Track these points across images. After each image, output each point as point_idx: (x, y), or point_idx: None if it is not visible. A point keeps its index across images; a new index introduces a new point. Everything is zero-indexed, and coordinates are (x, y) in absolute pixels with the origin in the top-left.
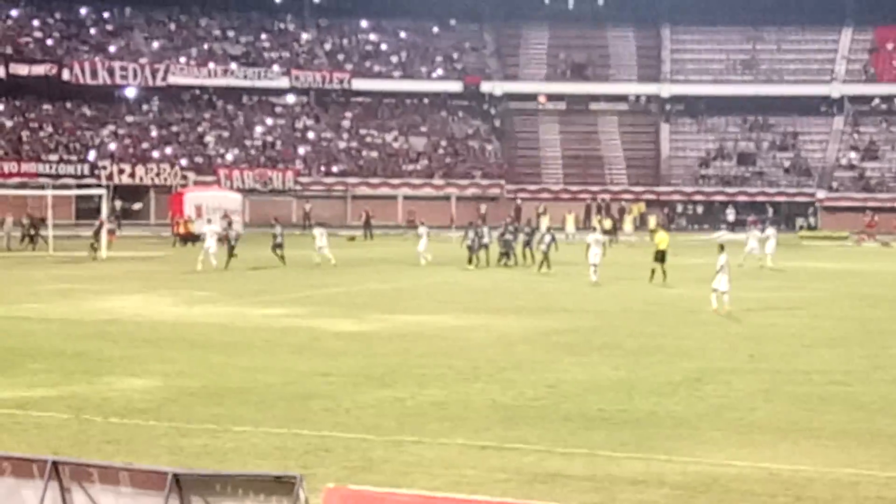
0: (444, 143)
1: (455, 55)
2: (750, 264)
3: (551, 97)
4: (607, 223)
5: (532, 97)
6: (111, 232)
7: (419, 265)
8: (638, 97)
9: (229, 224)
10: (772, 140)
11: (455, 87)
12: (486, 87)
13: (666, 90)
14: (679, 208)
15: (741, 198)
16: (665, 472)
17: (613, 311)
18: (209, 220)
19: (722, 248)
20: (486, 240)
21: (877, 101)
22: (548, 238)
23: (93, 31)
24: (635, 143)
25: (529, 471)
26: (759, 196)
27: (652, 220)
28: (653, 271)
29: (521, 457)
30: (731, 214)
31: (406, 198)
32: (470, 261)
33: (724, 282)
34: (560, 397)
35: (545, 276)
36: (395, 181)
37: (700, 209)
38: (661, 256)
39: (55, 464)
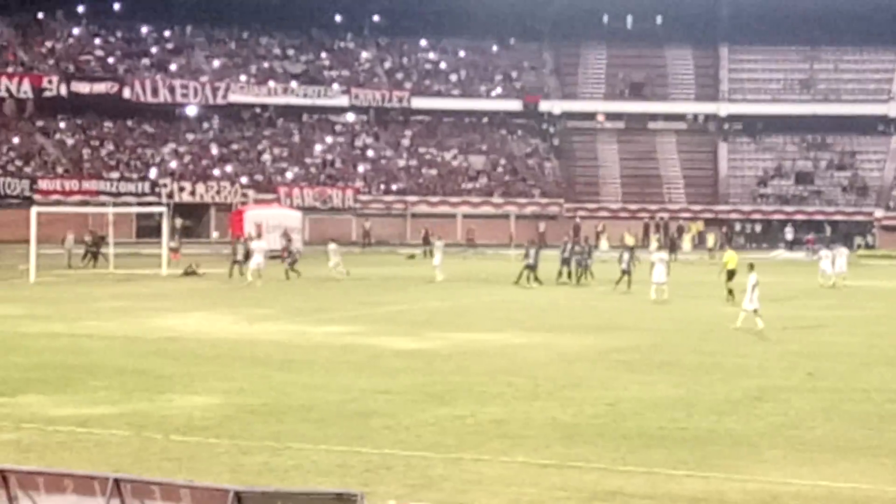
0: (503, 161)
1: (514, 74)
2: (819, 283)
3: (610, 116)
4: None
5: (591, 116)
6: (174, 250)
7: (479, 281)
8: (696, 116)
9: (289, 241)
10: (829, 159)
11: (514, 105)
12: (544, 105)
13: (724, 109)
14: (737, 227)
15: (799, 217)
16: (725, 491)
17: (672, 328)
18: (257, 237)
19: (752, 267)
20: (531, 260)
21: None
22: (626, 256)
23: (154, 49)
24: (693, 162)
25: (589, 489)
26: (817, 215)
27: (710, 239)
28: (730, 291)
29: (582, 475)
30: (789, 233)
31: (465, 216)
32: (529, 279)
33: (754, 300)
34: (620, 415)
35: (625, 294)
36: (454, 199)
37: (758, 228)
38: (731, 276)
39: (117, 481)
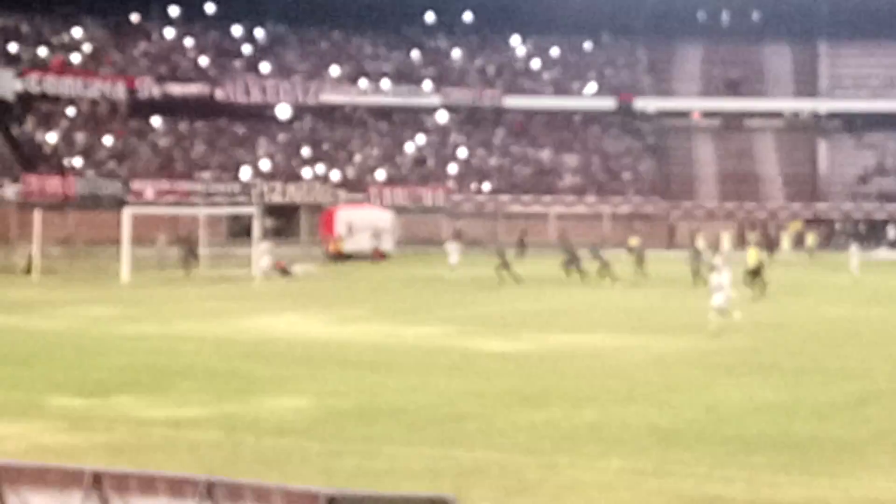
0: (596, 160)
1: (608, 71)
2: None
3: (705, 114)
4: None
5: (686, 114)
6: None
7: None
8: (794, 113)
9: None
10: None
11: (608, 103)
12: (639, 103)
13: (823, 106)
14: (837, 226)
15: None
16: (828, 497)
17: (771, 330)
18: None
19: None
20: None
21: None
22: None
23: (245, 50)
24: (792, 160)
25: (688, 495)
26: None
27: (810, 238)
28: (758, 287)
29: (680, 480)
30: (891, 232)
31: (558, 216)
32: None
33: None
34: (719, 419)
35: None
36: (547, 199)
37: (859, 227)
38: (755, 274)
39: (209, 483)
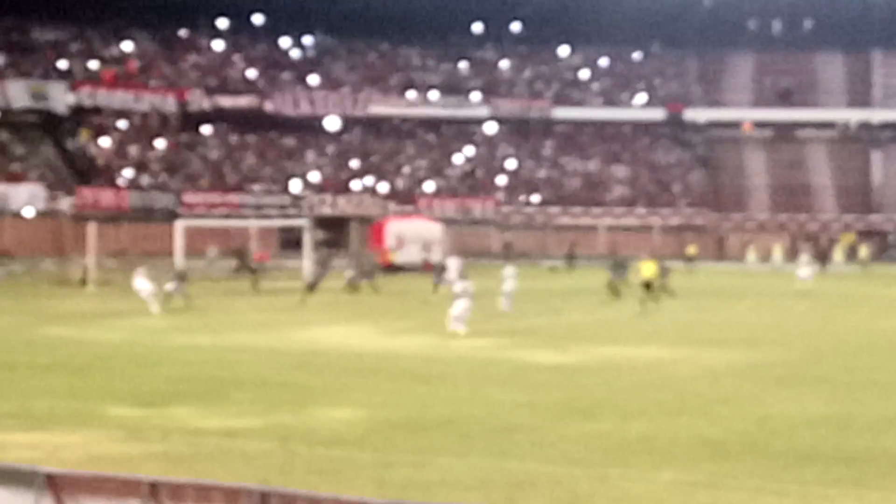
0: (645, 171)
1: (657, 82)
2: None
3: (757, 124)
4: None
5: (736, 125)
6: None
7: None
8: (847, 123)
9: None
10: None
11: (657, 114)
12: (689, 114)
13: (877, 116)
14: (891, 238)
15: None
16: None
17: (824, 343)
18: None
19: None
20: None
21: None
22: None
23: (294, 62)
24: (845, 171)
25: None
26: None
27: (863, 250)
28: (642, 300)
29: (731, 493)
30: None
31: (608, 228)
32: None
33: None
34: (770, 432)
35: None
36: (597, 210)
37: None
38: (647, 286)
39: (263, 494)
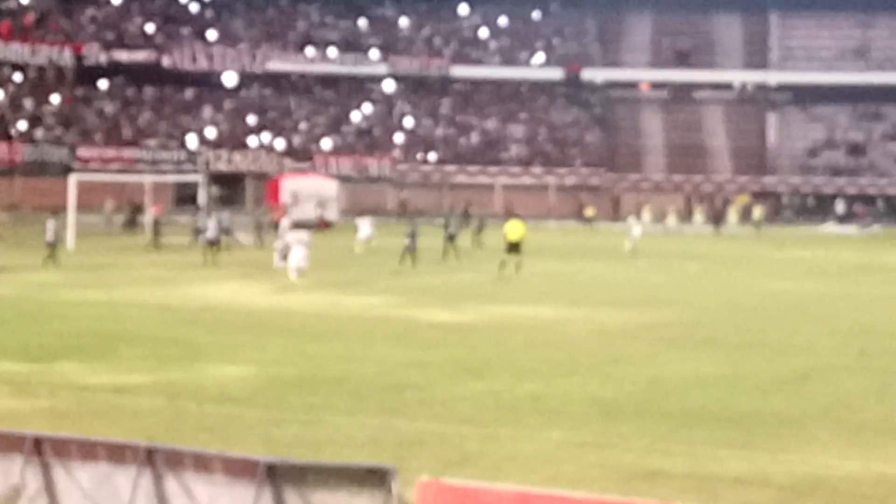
0: (543, 131)
1: (556, 41)
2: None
3: (654, 85)
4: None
5: (634, 85)
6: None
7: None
8: (744, 85)
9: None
10: (883, 130)
11: (555, 74)
12: (587, 74)
13: (773, 78)
14: (785, 200)
15: (850, 189)
16: (770, 472)
17: (715, 304)
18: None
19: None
20: (452, 230)
21: None
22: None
23: (192, 16)
24: (741, 133)
25: (629, 468)
26: (870, 188)
27: (757, 212)
28: (502, 262)
29: (621, 453)
30: (840, 206)
31: (504, 187)
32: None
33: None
34: (661, 393)
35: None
36: (494, 169)
37: (808, 201)
38: (513, 248)
39: (149, 450)
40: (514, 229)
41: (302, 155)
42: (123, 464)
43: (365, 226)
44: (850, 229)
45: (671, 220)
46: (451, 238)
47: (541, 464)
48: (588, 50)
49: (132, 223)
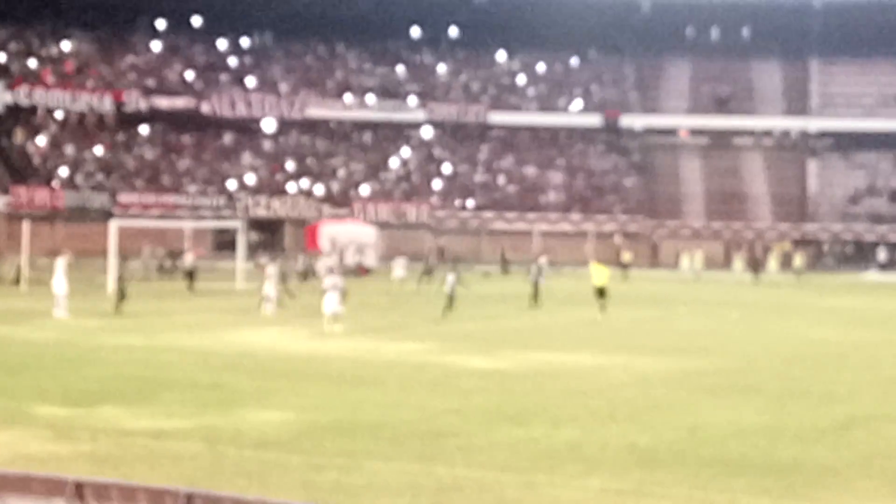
0: (581, 177)
1: (594, 88)
2: None
3: (693, 132)
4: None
5: (673, 132)
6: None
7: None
8: (784, 132)
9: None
10: None
11: (594, 120)
12: (625, 120)
13: (813, 125)
14: (826, 247)
15: (892, 237)
16: None
17: (756, 352)
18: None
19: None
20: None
21: None
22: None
23: (231, 63)
24: (780, 180)
25: None
26: None
27: (797, 259)
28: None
29: (659, 501)
30: (881, 254)
31: (542, 233)
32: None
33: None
34: (700, 441)
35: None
36: (532, 216)
37: (849, 249)
38: (600, 292)
39: (189, 496)
40: (599, 274)
41: (340, 201)
42: None
43: (398, 267)
44: (892, 277)
45: (697, 265)
46: (534, 285)
47: None
48: (626, 96)
49: (166, 268)
